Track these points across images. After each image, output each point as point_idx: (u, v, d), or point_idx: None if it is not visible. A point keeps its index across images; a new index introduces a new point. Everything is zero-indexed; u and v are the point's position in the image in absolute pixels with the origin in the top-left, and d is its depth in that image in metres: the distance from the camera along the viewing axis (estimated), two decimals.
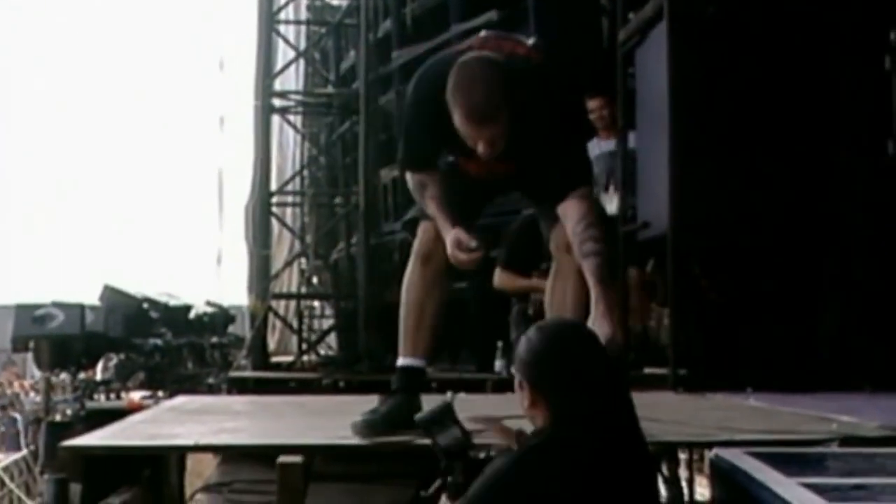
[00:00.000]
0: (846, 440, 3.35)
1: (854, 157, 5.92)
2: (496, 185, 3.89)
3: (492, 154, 3.41)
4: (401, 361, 3.89)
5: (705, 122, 5.80)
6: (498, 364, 8.09)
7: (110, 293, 13.03)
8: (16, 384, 13.10)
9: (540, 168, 3.60)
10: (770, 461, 2.76)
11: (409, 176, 3.77)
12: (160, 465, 4.13)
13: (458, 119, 3.36)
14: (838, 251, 5.83)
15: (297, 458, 3.45)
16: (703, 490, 5.47)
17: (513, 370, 2.50)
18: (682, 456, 5.49)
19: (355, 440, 3.61)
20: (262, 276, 11.68)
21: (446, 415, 2.82)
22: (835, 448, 3.27)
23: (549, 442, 2.34)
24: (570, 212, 3.49)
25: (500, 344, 7.90)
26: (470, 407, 3.77)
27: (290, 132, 13.76)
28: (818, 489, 2.41)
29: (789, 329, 5.71)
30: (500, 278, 5.89)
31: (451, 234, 3.55)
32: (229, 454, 4.43)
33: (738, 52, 5.91)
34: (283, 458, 3.44)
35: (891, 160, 5.86)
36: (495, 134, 3.37)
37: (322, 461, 3.95)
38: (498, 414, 3.71)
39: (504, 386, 7.04)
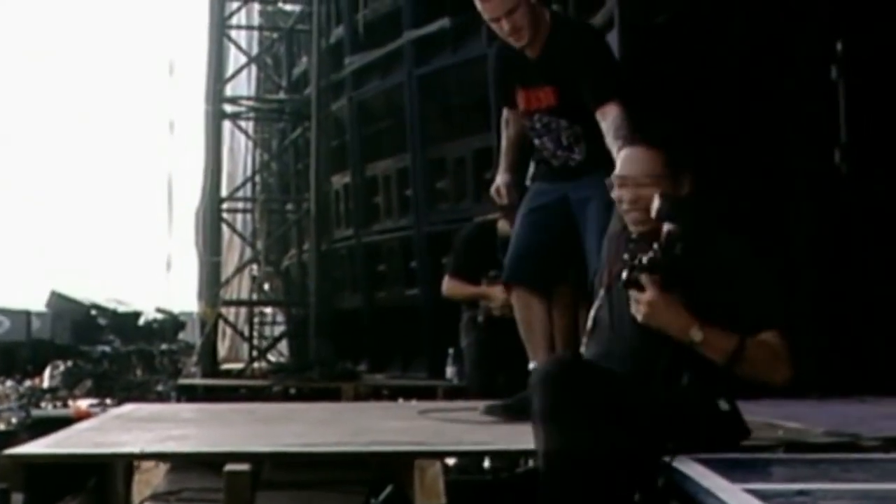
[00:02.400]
0: (791, 446, 3.38)
1: (800, 166, 5.98)
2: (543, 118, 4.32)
3: (517, 35, 4.07)
4: None
5: (655, 130, 5.82)
6: (449, 371, 8.07)
7: (57, 299, 12.90)
8: None
9: (579, 86, 4.13)
10: (716, 467, 2.77)
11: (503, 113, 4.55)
12: (106, 473, 4.05)
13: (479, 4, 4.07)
14: (784, 258, 5.89)
15: (244, 466, 3.41)
16: None
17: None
18: None
19: (303, 448, 3.59)
20: (212, 282, 11.61)
21: None
22: (780, 454, 3.30)
23: None
24: (609, 114, 4.07)
25: (451, 351, 7.88)
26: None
27: (242, 138, 13.70)
28: (762, 495, 2.43)
29: None
30: (448, 286, 5.85)
31: (500, 177, 4.42)
32: (179, 462, 4.38)
33: (688, 60, 5.96)
34: (230, 466, 3.40)
35: (836, 168, 5.94)
36: (515, 17, 4.03)
37: (271, 469, 3.92)
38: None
39: (455, 393, 7.04)
